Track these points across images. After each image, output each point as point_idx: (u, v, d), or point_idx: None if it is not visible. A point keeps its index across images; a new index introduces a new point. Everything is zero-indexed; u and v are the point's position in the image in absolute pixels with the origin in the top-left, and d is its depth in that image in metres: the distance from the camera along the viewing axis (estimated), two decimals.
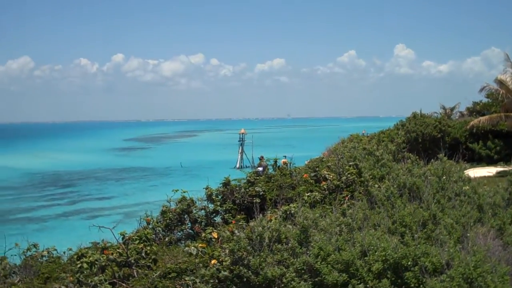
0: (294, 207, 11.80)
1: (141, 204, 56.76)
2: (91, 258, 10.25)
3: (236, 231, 10.84)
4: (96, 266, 10.17)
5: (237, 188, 15.17)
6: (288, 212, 11.67)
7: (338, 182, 14.49)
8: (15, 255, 13.34)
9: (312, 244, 9.65)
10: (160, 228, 14.38)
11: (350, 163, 15.25)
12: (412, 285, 8.67)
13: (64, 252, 13.74)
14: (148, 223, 14.21)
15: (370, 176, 14.20)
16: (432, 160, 14.24)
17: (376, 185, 13.15)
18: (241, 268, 9.28)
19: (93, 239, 13.35)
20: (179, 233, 14.68)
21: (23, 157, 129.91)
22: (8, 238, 13.18)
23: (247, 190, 15.00)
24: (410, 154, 17.08)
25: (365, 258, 9.30)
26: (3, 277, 11.88)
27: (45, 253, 13.36)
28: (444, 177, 12.71)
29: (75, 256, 11.17)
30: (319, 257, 9.27)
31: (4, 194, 72.10)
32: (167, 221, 14.60)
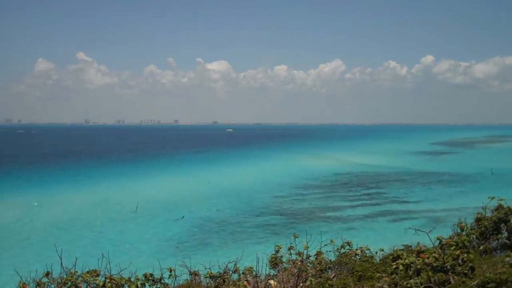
0: None
1: (449, 209, 55.80)
2: (406, 260, 10.27)
3: None
4: (411, 268, 10.16)
5: None
6: None
7: None
8: (330, 251, 13.96)
9: None
10: (474, 236, 13.89)
11: None
12: None
13: (376, 252, 14.01)
14: (462, 230, 13.81)
15: None
16: None
17: None
18: None
19: (397, 241, 13.40)
20: (494, 242, 14.01)
21: (336, 156, 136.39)
22: (322, 234, 13.85)
23: None
24: None
25: None
26: (319, 271, 12.46)
27: (358, 251, 13.76)
28: None
29: (390, 257, 11.30)
30: None
31: (315, 192, 76.30)
32: (482, 228, 14.02)
